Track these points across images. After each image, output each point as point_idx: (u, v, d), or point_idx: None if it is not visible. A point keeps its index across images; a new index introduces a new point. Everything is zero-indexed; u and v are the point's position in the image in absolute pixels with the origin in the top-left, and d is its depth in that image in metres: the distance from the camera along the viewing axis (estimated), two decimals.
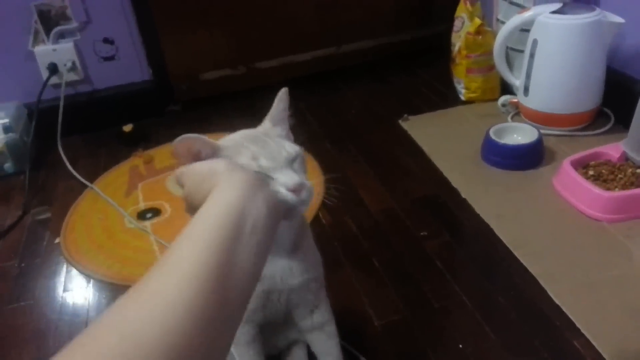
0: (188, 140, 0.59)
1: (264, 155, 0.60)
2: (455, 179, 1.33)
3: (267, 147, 0.61)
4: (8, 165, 1.63)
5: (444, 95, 1.77)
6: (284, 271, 0.70)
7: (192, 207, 0.52)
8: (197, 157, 0.60)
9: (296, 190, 0.58)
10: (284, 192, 0.58)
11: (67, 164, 1.62)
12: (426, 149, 1.48)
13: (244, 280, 0.44)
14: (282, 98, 0.68)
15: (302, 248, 0.71)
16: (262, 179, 0.55)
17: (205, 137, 0.60)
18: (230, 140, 0.64)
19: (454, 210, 1.24)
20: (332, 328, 0.81)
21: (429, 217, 1.23)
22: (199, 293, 0.40)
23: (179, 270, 0.42)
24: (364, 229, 1.23)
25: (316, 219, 1.27)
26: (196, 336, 0.39)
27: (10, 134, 1.62)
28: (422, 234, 1.18)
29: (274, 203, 0.50)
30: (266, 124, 0.68)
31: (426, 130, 1.57)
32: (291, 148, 0.62)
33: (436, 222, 1.21)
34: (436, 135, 1.54)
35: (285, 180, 0.58)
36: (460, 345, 0.90)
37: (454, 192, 1.30)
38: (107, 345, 0.37)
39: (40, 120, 1.70)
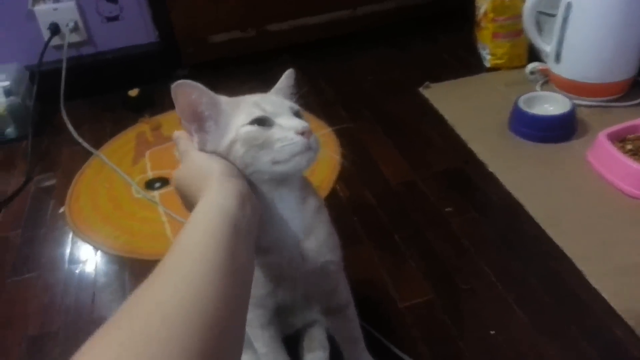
0: (186, 87, 0.57)
1: (268, 102, 0.60)
2: (481, 151, 1.25)
3: (270, 98, 0.62)
4: (10, 130, 1.57)
5: (467, 62, 1.67)
6: (294, 258, 0.64)
7: (181, 191, 0.60)
8: (196, 114, 0.59)
9: (305, 133, 0.56)
10: (292, 136, 0.56)
11: (72, 129, 1.55)
12: (449, 118, 1.40)
13: (246, 274, 0.50)
14: (289, 76, 0.66)
15: (316, 233, 0.65)
16: (249, 192, 0.56)
17: (204, 87, 0.58)
18: (234, 97, 0.62)
19: (480, 185, 1.17)
20: (351, 310, 0.76)
21: (453, 192, 1.16)
22: (217, 281, 0.43)
23: (195, 260, 0.45)
24: (383, 203, 1.16)
25: (333, 192, 1.20)
26: (215, 326, 0.41)
27: (12, 97, 1.55)
28: (446, 209, 1.11)
29: (258, 210, 0.56)
30: (271, 93, 0.66)
31: (449, 99, 1.48)
32: (293, 104, 0.62)
33: (461, 197, 1.14)
34: (460, 104, 1.46)
35: (293, 124, 0.57)
36: (493, 332, 0.84)
37: (479, 165, 1.22)
38: (138, 328, 0.38)
39: (43, 83, 1.62)
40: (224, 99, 0.60)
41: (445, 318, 0.88)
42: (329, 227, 0.68)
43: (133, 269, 1.07)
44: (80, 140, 1.51)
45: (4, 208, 1.31)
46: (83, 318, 0.98)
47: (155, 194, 1.27)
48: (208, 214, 0.50)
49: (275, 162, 0.57)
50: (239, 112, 0.59)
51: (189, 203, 0.61)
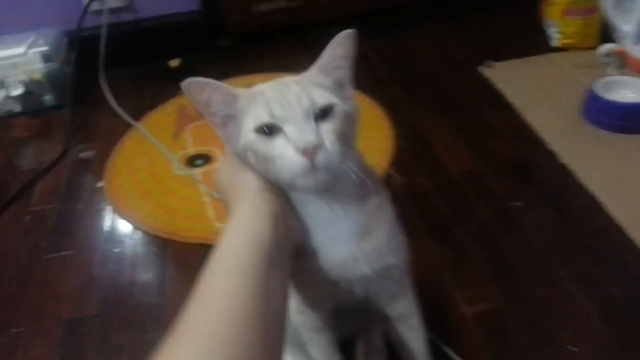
0: (197, 85, 0.50)
1: (280, 102, 0.49)
2: (552, 140, 1.14)
3: (286, 94, 0.49)
4: (48, 98, 1.52)
5: (531, 40, 1.53)
6: (346, 261, 0.56)
7: (219, 188, 0.57)
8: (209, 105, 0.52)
9: (306, 151, 0.46)
10: (290, 154, 0.47)
11: (112, 99, 1.49)
12: (514, 102, 1.28)
13: (280, 308, 0.46)
14: (342, 43, 0.52)
15: (375, 232, 0.56)
16: (287, 208, 0.52)
17: (218, 83, 0.51)
18: (254, 88, 0.53)
19: (551, 178, 1.07)
20: (416, 321, 0.67)
21: (521, 184, 1.06)
22: (246, 336, 0.40)
23: (222, 304, 0.42)
24: (442, 193, 1.07)
25: (385, 178, 1.11)
26: None
27: (50, 64, 1.49)
28: (514, 204, 1.01)
29: (294, 227, 0.52)
30: (310, 71, 0.54)
31: (513, 80, 1.36)
32: (321, 97, 0.49)
33: (530, 191, 1.04)
34: (525, 86, 1.34)
35: (295, 137, 0.47)
36: (575, 349, 0.75)
37: (550, 155, 1.11)
38: None
39: (82, 50, 1.56)
40: (242, 94, 0.52)
41: (516, 328, 0.79)
42: (392, 227, 0.59)
43: (174, 253, 1.01)
44: (119, 111, 1.45)
45: (41, 180, 1.26)
46: (121, 303, 0.93)
47: (197, 171, 1.20)
48: (237, 246, 0.46)
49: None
50: (252, 110, 0.50)
51: (225, 203, 0.56)
